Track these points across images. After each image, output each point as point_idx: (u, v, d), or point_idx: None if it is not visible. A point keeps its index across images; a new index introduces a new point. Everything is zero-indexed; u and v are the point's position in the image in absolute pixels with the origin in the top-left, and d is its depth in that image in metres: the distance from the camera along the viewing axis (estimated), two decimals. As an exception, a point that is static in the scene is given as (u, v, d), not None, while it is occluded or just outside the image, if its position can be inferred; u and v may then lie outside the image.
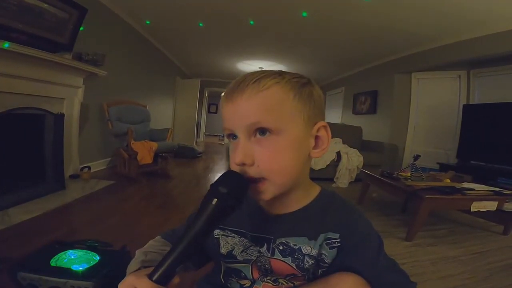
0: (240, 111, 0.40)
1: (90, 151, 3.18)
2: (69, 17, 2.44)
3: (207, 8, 3.21)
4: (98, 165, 3.32)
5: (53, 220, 1.73)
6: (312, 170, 3.54)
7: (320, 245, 0.43)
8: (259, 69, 0.43)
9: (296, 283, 0.46)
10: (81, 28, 2.58)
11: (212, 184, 0.36)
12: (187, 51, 5.30)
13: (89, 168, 2.93)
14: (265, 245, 0.46)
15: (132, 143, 2.92)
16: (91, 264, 0.78)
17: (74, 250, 0.81)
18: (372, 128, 4.96)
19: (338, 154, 3.71)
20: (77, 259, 0.79)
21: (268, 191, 0.40)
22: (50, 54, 2.22)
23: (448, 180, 2.08)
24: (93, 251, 0.84)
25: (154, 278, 0.33)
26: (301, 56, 5.03)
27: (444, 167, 3.29)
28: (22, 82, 2.11)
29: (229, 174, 0.38)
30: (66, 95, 2.68)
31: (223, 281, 0.49)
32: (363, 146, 4.28)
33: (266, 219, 0.47)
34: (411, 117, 4.41)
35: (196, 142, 7.23)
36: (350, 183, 3.52)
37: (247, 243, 0.47)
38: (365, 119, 5.29)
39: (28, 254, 0.78)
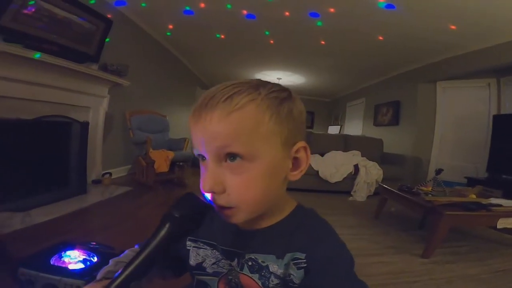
0: (208, 133, 0.35)
1: (112, 158, 3.32)
2: (96, 29, 2.62)
3: (223, 20, 3.31)
4: (119, 172, 3.45)
5: (70, 222, 1.81)
6: (327, 183, 3.47)
7: (287, 265, 0.40)
8: (232, 83, 0.37)
9: None
10: (107, 40, 2.75)
11: (170, 206, 0.36)
12: (206, 62, 5.46)
13: (110, 174, 3.06)
14: (236, 259, 0.44)
15: (150, 152, 3.02)
16: (88, 265, 0.81)
17: (75, 251, 0.84)
18: (394, 140, 4.77)
19: (356, 167, 3.60)
20: (75, 260, 0.82)
21: (238, 217, 0.38)
22: (78, 64, 2.38)
23: (474, 196, 1.93)
24: (93, 253, 0.86)
25: None
26: (319, 66, 5.01)
27: (472, 182, 3.06)
28: (51, 91, 2.27)
29: (187, 198, 0.37)
30: (92, 104, 2.85)
31: None
32: (384, 159, 4.12)
33: (237, 233, 0.44)
34: (437, 128, 4.19)
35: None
36: (369, 196, 3.38)
37: (219, 255, 0.45)
38: (387, 131, 5.11)
39: (32, 252, 0.82)
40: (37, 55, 1.96)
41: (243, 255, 0.43)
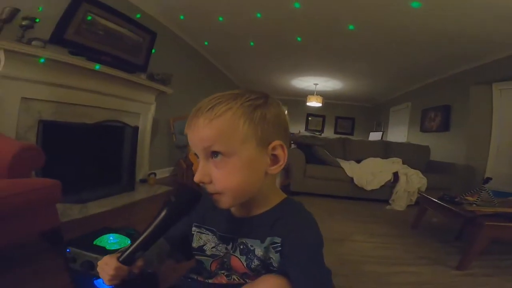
0: (197, 136, 0.45)
1: (157, 160, 3.65)
2: (143, 41, 2.95)
3: (255, 29, 3.45)
4: (163, 173, 3.77)
5: (119, 214, 2.07)
6: (363, 190, 3.35)
7: (266, 248, 0.47)
8: (216, 96, 0.47)
9: (248, 281, 0.50)
10: (153, 51, 3.07)
11: (168, 193, 0.47)
12: (242, 69, 5.68)
13: (155, 174, 3.36)
14: (231, 243, 0.51)
15: (190, 155, 3.25)
16: (121, 246, 0.96)
17: (114, 235, 1.00)
18: (443, 147, 4.40)
19: (396, 174, 3.41)
20: (113, 242, 0.97)
21: (224, 202, 0.46)
22: (129, 74, 2.70)
23: (528, 208, 1.72)
24: (128, 237, 1.01)
25: (120, 259, 0.45)
26: (358, 71, 4.88)
27: (535, 195, 2.69)
28: (108, 98, 2.61)
29: (181, 188, 0.49)
30: (142, 110, 3.20)
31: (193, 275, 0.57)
32: (431, 167, 3.83)
33: (232, 221, 0.52)
34: (494, 135, 3.75)
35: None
36: (409, 206, 3.17)
37: (217, 241, 0.53)
38: (436, 137, 4.73)
39: (80, 235, 1.00)
40: (97, 67, 2.27)
41: (236, 239, 0.51)
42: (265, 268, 0.48)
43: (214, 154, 0.44)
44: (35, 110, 1.96)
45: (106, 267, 0.45)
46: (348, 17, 2.91)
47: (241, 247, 0.50)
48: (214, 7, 3.00)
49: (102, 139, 2.74)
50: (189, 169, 3.24)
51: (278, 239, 0.46)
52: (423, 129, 5.14)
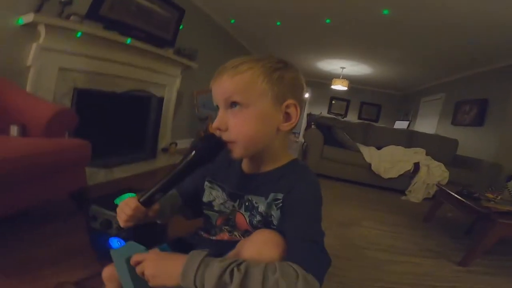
0: (220, 89, 0.50)
1: (179, 130, 3.79)
2: (171, 17, 2.98)
3: (283, 7, 3.34)
4: (184, 143, 3.92)
5: (140, 180, 2.22)
6: (380, 178, 3.31)
7: (269, 204, 0.50)
8: (241, 58, 0.51)
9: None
10: (181, 27, 3.10)
11: (193, 140, 0.51)
12: (268, 49, 5.56)
13: (176, 144, 3.51)
14: (238, 200, 0.55)
15: (210, 127, 3.35)
16: None
17: (133, 194, 1.10)
18: (474, 142, 4.16)
19: (417, 165, 3.32)
20: None
21: (236, 151, 0.50)
22: (158, 48, 2.77)
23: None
24: None
25: (140, 200, 0.49)
26: (388, 57, 4.62)
27: None
28: (137, 70, 2.71)
29: (208, 136, 0.51)
30: (168, 82, 3.29)
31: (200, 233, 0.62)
32: (456, 162, 3.68)
33: (241, 178, 0.56)
34: (531, 134, 3.50)
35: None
36: (426, 199, 3.10)
37: (225, 197, 0.57)
38: (467, 132, 4.47)
39: (103, 195, 1.10)
40: (128, 41, 2.37)
41: (243, 196, 0.55)
42: (266, 225, 0.51)
43: (233, 104, 0.49)
44: (70, 79, 2.10)
45: (126, 207, 0.49)
46: (384, 1, 2.72)
47: (247, 203, 0.53)
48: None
49: (129, 108, 2.88)
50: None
51: (280, 195, 0.50)
52: (455, 123, 4.86)
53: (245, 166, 0.57)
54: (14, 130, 1.25)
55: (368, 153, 3.46)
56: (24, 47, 1.81)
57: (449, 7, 2.60)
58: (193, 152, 0.48)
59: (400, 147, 3.68)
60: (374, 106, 8.13)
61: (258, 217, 0.51)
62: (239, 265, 0.38)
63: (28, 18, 1.72)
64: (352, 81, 6.53)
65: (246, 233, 0.54)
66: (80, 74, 2.16)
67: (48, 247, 1.10)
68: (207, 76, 3.67)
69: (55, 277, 0.93)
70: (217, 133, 0.51)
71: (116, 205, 1.03)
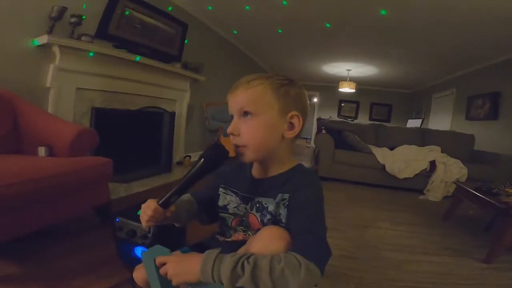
0: (235, 100, 0.58)
1: (191, 143, 3.89)
2: (175, 33, 3.10)
3: (282, 16, 3.41)
4: (197, 155, 3.99)
5: (157, 193, 2.28)
6: (395, 178, 3.27)
7: (278, 203, 0.56)
8: (254, 75, 0.59)
9: None
10: (186, 41, 3.22)
11: (204, 150, 0.57)
12: (272, 56, 5.65)
13: (190, 157, 3.60)
14: (249, 203, 0.61)
15: (221, 138, 3.43)
16: None
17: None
18: (490, 136, 4.06)
19: (433, 163, 3.26)
20: None
21: (247, 154, 0.57)
22: (166, 64, 2.89)
23: None
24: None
25: (159, 203, 0.56)
26: (394, 56, 4.60)
27: None
28: (148, 87, 2.84)
29: (215, 145, 0.58)
30: (178, 97, 3.41)
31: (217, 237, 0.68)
32: (474, 157, 3.59)
33: (252, 182, 0.63)
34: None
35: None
36: (446, 197, 3.03)
37: (239, 201, 0.63)
38: (483, 126, 4.36)
39: (127, 207, 1.18)
40: (137, 58, 2.48)
41: (253, 199, 0.61)
42: (275, 223, 0.56)
43: (246, 113, 0.56)
44: (88, 99, 2.22)
45: (147, 208, 0.56)
46: (380, 2, 2.75)
47: (257, 205, 0.59)
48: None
49: (143, 124, 3.01)
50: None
51: (286, 195, 0.55)
52: (469, 117, 4.75)
53: (255, 172, 0.64)
54: (42, 151, 1.34)
55: (381, 154, 3.44)
56: (43, 68, 1.94)
57: (448, 3, 2.61)
58: (202, 160, 0.56)
59: (413, 146, 3.63)
60: (385, 106, 8.05)
61: (269, 216, 0.57)
62: (248, 258, 0.43)
63: (42, 39, 1.84)
64: (360, 82, 6.51)
65: (257, 231, 0.59)
66: (96, 93, 2.29)
67: (78, 258, 1.18)
68: (215, 88, 3.81)
69: (86, 286, 1.00)
70: (231, 138, 0.59)
71: (139, 216, 1.10)
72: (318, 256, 0.45)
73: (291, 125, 0.58)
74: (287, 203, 0.55)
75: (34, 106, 1.60)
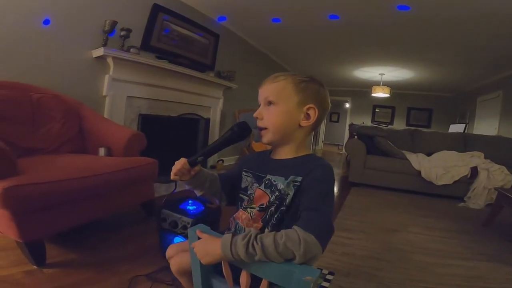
0: (262, 92, 0.68)
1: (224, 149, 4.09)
2: (209, 43, 3.33)
3: (310, 22, 3.45)
4: (229, 160, 4.21)
5: (193, 193, 2.48)
6: (432, 185, 3.14)
7: (288, 183, 0.61)
8: (280, 73, 0.69)
9: (257, 213, 0.64)
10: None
11: (233, 125, 0.69)
12: (303, 63, 5.67)
13: (223, 161, 3.81)
14: (261, 180, 0.66)
15: (253, 144, 3.58)
16: (198, 211, 1.28)
17: (193, 201, 1.33)
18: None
19: (474, 170, 3.08)
20: (193, 207, 1.30)
21: (266, 136, 0.66)
22: (201, 73, 3.13)
23: None
24: (202, 205, 1.33)
25: (188, 160, 0.67)
26: (428, 59, 4.42)
27: None
28: (186, 95, 3.09)
29: (242, 122, 0.69)
30: (212, 104, 3.65)
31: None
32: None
33: (267, 162, 0.71)
34: None
35: (314, 149, 7.48)
36: (488, 205, 2.84)
37: (253, 180, 0.69)
38: (535, 131, 3.99)
39: (171, 200, 1.35)
40: (176, 68, 2.73)
41: (265, 176, 0.68)
42: (280, 201, 0.61)
43: (269, 103, 0.66)
44: (136, 106, 2.51)
45: (177, 163, 0.66)
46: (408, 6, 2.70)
47: (267, 182, 0.65)
48: (270, 7, 3.15)
49: (182, 130, 3.27)
50: (252, 157, 3.58)
51: (299, 178, 0.60)
52: (519, 121, 4.37)
53: (273, 154, 0.72)
54: (102, 151, 1.59)
55: (416, 160, 3.33)
56: (100, 78, 2.22)
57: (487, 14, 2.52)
58: (230, 132, 0.68)
59: (453, 151, 3.46)
60: (424, 111, 7.63)
61: (277, 193, 0.62)
62: (255, 238, 0.49)
63: (98, 52, 2.11)
64: (394, 87, 6.29)
65: (262, 210, 0.64)
66: (143, 101, 2.57)
67: (125, 248, 1.37)
68: (247, 95, 4.02)
69: (130, 271, 1.17)
70: (257, 121, 0.68)
71: (181, 210, 1.27)
72: (317, 229, 0.50)
73: (308, 116, 0.65)
74: (298, 184, 0.61)
75: (95, 112, 1.89)
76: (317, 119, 0.66)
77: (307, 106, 0.65)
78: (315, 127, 0.68)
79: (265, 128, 0.66)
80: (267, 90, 0.67)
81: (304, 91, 0.65)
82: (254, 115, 0.68)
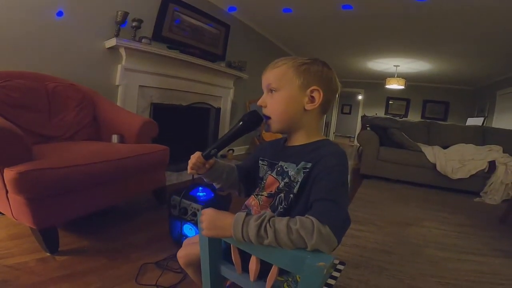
0: (264, 79, 0.65)
1: (235, 138, 4.10)
2: (219, 33, 3.29)
3: (322, 13, 3.37)
4: (240, 150, 4.22)
5: (203, 181, 2.51)
6: (447, 179, 3.06)
7: (299, 169, 0.59)
8: (282, 58, 0.66)
9: (265, 199, 0.64)
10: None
11: (244, 115, 0.67)
12: (314, 54, 5.41)
13: (233, 150, 3.82)
14: (274, 167, 0.66)
15: (263, 134, 3.57)
16: (208, 197, 1.29)
17: (203, 188, 1.33)
18: None
19: (492, 164, 2.97)
20: (201, 193, 1.31)
21: (272, 125, 0.64)
22: (212, 63, 3.11)
23: None
24: (212, 192, 1.34)
25: (202, 154, 0.66)
26: (447, 52, 4.24)
27: None
28: (197, 84, 3.09)
29: (252, 111, 0.67)
30: (223, 94, 3.63)
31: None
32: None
33: (280, 150, 0.69)
34: None
35: (325, 140, 7.38)
36: (505, 201, 2.75)
37: (267, 168, 0.68)
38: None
39: (181, 188, 1.36)
40: (188, 58, 2.72)
41: (277, 163, 0.67)
42: (289, 188, 0.60)
43: (272, 90, 0.63)
44: (148, 95, 2.53)
45: (192, 157, 0.65)
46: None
47: (278, 169, 0.64)
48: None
49: (193, 119, 3.28)
50: (262, 147, 3.57)
51: (309, 164, 0.58)
52: (543, 114, 4.17)
53: (287, 141, 0.70)
54: (115, 138, 1.62)
55: (432, 152, 3.23)
56: (113, 68, 2.25)
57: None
58: (241, 123, 0.66)
59: (470, 145, 3.34)
60: (441, 103, 7.38)
61: (287, 179, 0.60)
62: (269, 221, 0.47)
63: (111, 42, 2.13)
64: (410, 79, 6.09)
65: (270, 195, 0.64)
66: (154, 90, 2.59)
67: (136, 236, 1.40)
68: (257, 85, 3.96)
69: (141, 259, 1.19)
70: (262, 109, 0.67)
71: (191, 196, 1.28)
72: (333, 220, 0.46)
73: (312, 98, 0.62)
74: (308, 171, 0.59)
75: (108, 100, 1.91)
76: (323, 101, 0.62)
77: (311, 89, 0.61)
78: (323, 110, 0.65)
79: (269, 118, 0.64)
80: (268, 77, 0.64)
81: (306, 73, 0.62)
82: (258, 103, 0.66)
